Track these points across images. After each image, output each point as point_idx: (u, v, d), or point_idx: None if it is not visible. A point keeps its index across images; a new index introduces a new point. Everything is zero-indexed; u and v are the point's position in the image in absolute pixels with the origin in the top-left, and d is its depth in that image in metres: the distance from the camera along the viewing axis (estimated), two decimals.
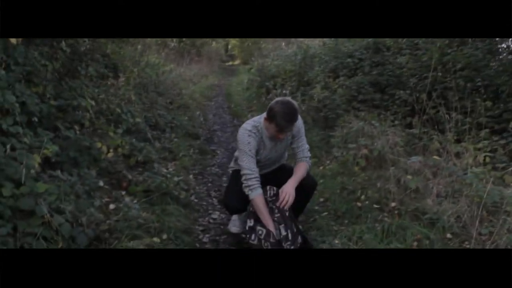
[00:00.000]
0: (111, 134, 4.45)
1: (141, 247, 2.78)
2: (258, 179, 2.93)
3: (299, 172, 2.98)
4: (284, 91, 7.65)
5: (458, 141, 4.79)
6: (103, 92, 5.57)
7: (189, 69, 16.43)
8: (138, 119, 5.58)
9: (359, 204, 3.70)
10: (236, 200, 3.04)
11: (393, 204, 3.56)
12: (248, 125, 3.01)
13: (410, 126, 5.64)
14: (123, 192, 3.83)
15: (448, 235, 3.05)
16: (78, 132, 4.30)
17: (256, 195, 2.90)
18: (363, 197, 3.76)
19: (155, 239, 2.95)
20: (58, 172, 3.01)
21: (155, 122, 6.25)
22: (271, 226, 2.84)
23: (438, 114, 5.42)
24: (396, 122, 5.38)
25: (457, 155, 4.35)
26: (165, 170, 4.60)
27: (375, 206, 3.59)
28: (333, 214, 3.67)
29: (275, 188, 3.08)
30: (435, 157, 3.87)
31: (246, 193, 2.92)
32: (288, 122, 2.76)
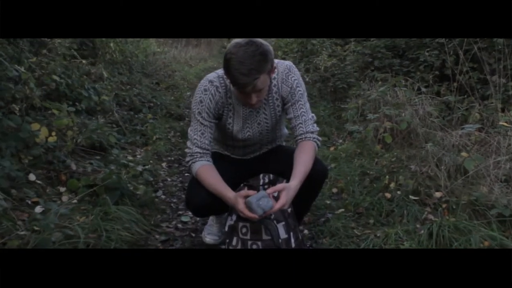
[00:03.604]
0: (56, 112, 3.38)
1: None
2: (205, 153, 1.95)
3: (304, 160, 1.86)
4: None
5: (502, 110, 3.76)
6: (61, 66, 4.53)
7: (185, 52, 15.49)
8: (104, 97, 4.54)
9: (388, 195, 2.63)
10: (203, 194, 1.92)
11: (437, 195, 2.50)
12: (212, 75, 1.95)
13: (438, 94, 4.58)
14: (63, 189, 2.80)
15: None
16: (17, 112, 3.28)
17: (199, 166, 1.92)
18: (392, 185, 2.69)
19: None
20: None
21: (130, 102, 5.19)
22: (233, 198, 1.79)
23: (473, 80, 4.35)
24: (423, 90, 4.29)
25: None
26: (130, 157, 3.57)
27: (412, 197, 2.52)
28: (352, 211, 2.61)
29: (271, 175, 2.05)
30: (503, 123, 2.78)
31: (189, 170, 2.04)
32: (244, 75, 1.66)
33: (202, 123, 1.93)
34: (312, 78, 5.50)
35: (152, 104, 5.51)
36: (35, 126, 3.00)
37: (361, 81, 4.91)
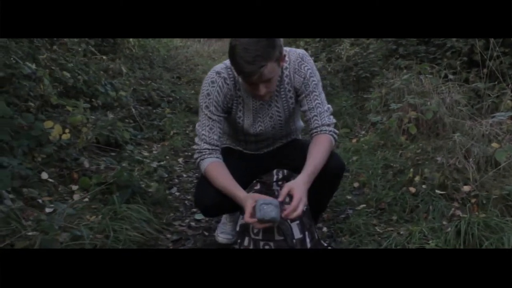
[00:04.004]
0: (70, 109, 3.33)
1: None
2: (214, 150, 1.83)
3: (316, 155, 1.73)
4: None
5: None
6: (78, 62, 4.49)
7: (207, 46, 15.42)
8: (122, 93, 4.48)
9: (412, 189, 2.48)
10: (212, 193, 1.81)
11: (466, 189, 2.33)
12: (220, 66, 1.84)
13: (466, 82, 4.35)
14: (75, 187, 2.75)
15: None
16: (33, 109, 3.26)
17: (208, 163, 1.81)
18: (417, 178, 2.53)
19: None
20: None
21: (148, 97, 5.13)
22: (243, 198, 1.67)
23: (504, 65, 4.11)
24: (451, 77, 4.08)
25: None
26: (146, 153, 3.50)
27: (438, 192, 2.36)
28: (374, 207, 2.46)
29: (285, 171, 1.94)
30: None
31: (198, 167, 1.90)
32: (249, 63, 1.53)
33: (210, 118, 1.82)
34: (334, 68, 5.33)
35: (171, 99, 5.43)
36: (48, 124, 2.95)
37: (385, 70, 4.71)
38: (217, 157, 1.84)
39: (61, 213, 2.11)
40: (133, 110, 4.29)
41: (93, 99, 4.08)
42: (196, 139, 1.87)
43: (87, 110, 3.65)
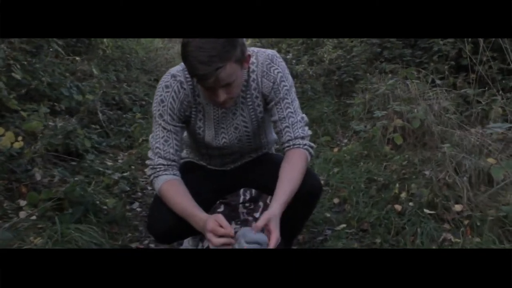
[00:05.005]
0: (24, 114, 3.03)
1: None
2: (171, 165, 1.57)
3: (290, 178, 1.48)
4: (287, 57, 6.13)
5: None
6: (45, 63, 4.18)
7: None
8: (89, 96, 4.17)
9: (398, 207, 2.23)
10: (165, 215, 1.55)
11: (457, 208, 2.09)
12: (176, 68, 1.59)
13: (454, 87, 4.15)
14: (23, 203, 2.45)
15: None
16: None
17: (163, 181, 1.56)
18: (403, 195, 2.29)
19: None
20: None
21: (119, 100, 4.82)
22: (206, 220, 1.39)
23: (493, 70, 3.92)
24: (438, 82, 3.86)
25: None
26: (110, 163, 3.21)
27: (427, 211, 2.12)
28: (355, 228, 2.21)
29: (253, 191, 1.69)
30: None
31: (151, 186, 1.74)
32: (204, 63, 1.27)
33: (165, 128, 1.56)
34: (316, 72, 5.08)
35: (144, 102, 5.14)
36: None
37: (369, 74, 4.48)
38: (174, 174, 1.57)
39: None
40: (100, 115, 3.99)
41: (55, 103, 3.78)
42: (150, 153, 1.60)
43: (47, 115, 3.37)
